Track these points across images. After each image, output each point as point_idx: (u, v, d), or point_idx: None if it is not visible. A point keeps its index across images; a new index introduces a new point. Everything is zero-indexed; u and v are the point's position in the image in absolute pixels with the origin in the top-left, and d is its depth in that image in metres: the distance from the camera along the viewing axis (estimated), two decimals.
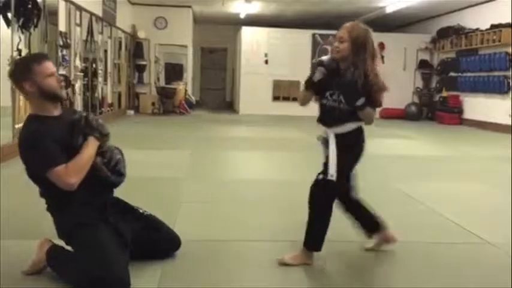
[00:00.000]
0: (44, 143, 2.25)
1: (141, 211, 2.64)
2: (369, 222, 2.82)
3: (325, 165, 2.57)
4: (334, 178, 2.51)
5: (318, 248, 2.60)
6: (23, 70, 2.31)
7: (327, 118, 2.62)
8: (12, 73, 2.39)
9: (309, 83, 2.61)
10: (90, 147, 2.34)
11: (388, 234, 2.85)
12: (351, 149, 2.61)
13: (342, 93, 2.53)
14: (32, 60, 2.38)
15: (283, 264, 2.58)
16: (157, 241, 2.61)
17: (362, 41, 2.51)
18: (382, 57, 13.77)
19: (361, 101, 2.48)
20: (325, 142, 2.62)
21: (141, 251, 2.52)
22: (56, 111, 2.40)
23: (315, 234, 2.59)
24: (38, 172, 2.31)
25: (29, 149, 2.29)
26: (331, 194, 2.58)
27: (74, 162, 2.27)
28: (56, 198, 2.39)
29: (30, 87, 2.29)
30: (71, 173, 2.25)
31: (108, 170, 2.41)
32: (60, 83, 2.37)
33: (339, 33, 2.56)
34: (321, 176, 2.58)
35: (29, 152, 2.30)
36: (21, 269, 2.44)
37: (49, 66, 2.34)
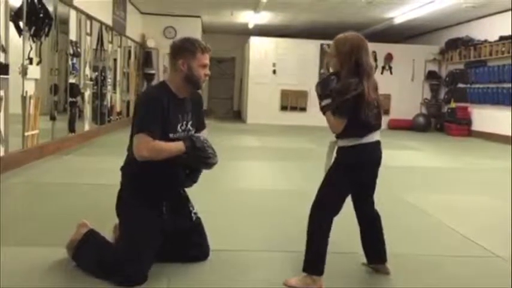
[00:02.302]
0: (154, 109, 2.43)
1: (194, 211, 2.74)
2: (376, 252, 2.68)
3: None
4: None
5: (317, 271, 2.44)
6: (187, 49, 2.50)
7: None
8: (177, 46, 2.55)
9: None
10: (176, 148, 2.46)
11: (385, 268, 2.69)
12: (345, 164, 2.46)
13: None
14: (199, 46, 2.52)
15: (289, 286, 2.46)
16: (194, 245, 2.69)
17: (348, 53, 2.39)
18: (390, 68, 13.82)
19: (325, 102, 2.40)
20: (333, 149, 2.52)
21: (172, 250, 2.60)
22: (183, 95, 2.57)
23: (311, 256, 2.45)
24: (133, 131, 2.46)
25: (142, 105, 2.51)
26: (328, 210, 2.45)
27: (158, 143, 2.40)
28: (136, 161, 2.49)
29: (182, 65, 2.49)
30: (149, 148, 2.37)
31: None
32: (206, 77, 2.55)
33: (331, 48, 2.51)
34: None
35: (140, 107, 2.51)
36: (31, 275, 2.46)
37: (207, 58, 2.53)
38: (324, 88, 2.44)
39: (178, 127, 2.56)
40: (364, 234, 2.67)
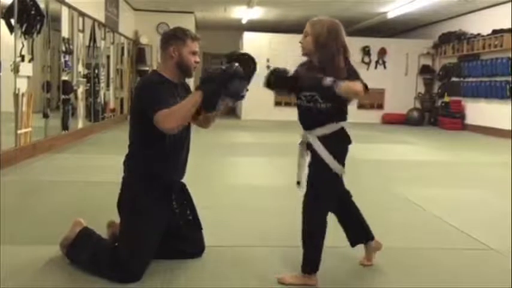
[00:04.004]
0: (159, 90, 2.50)
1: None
2: (361, 231, 2.68)
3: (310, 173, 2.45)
4: (342, 172, 2.41)
5: (316, 269, 2.45)
6: (178, 37, 2.59)
7: (304, 120, 2.52)
8: (167, 34, 2.66)
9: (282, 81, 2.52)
10: (194, 98, 2.43)
11: (376, 244, 2.72)
12: (335, 151, 2.44)
13: (315, 91, 2.40)
14: (189, 34, 2.61)
15: (283, 283, 2.44)
16: (190, 240, 2.73)
17: (326, 36, 2.40)
18: (384, 62, 13.84)
19: (329, 80, 2.28)
20: (308, 147, 2.50)
21: (168, 245, 2.62)
22: (176, 80, 2.64)
23: (312, 254, 2.43)
24: (146, 111, 2.44)
25: (145, 90, 2.54)
26: (325, 204, 2.45)
27: (175, 108, 2.41)
28: (143, 149, 2.56)
29: (173, 52, 2.57)
30: (172, 118, 2.39)
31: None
32: (197, 63, 2.63)
33: (305, 29, 2.49)
34: (301, 188, 2.47)
35: (144, 92, 2.54)
36: (25, 273, 2.45)
37: (196, 46, 2.62)
38: (313, 76, 2.38)
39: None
40: (344, 215, 2.67)
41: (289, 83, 2.53)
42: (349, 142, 2.49)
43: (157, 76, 2.61)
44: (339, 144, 2.46)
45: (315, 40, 2.43)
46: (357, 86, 2.31)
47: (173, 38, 2.60)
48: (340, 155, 2.46)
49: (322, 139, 2.43)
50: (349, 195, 2.69)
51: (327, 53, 2.40)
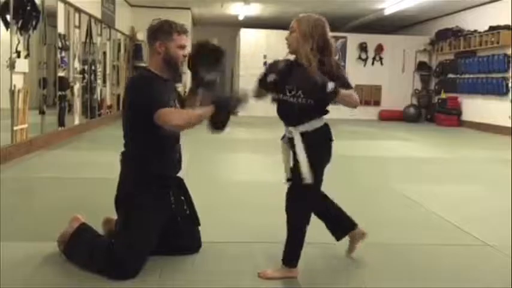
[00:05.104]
0: (156, 87, 2.46)
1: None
2: (343, 222, 2.69)
3: (294, 169, 2.43)
4: (309, 181, 2.35)
5: (297, 262, 2.47)
6: (163, 31, 2.51)
7: (288, 115, 2.48)
8: (153, 28, 2.56)
9: (262, 83, 2.54)
10: (205, 113, 2.42)
11: (359, 231, 2.71)
12: (319, 148, 2.45)
13: (300, 87, 2.38)
14: (175, 28, 2.54)
15: (266, 278, 2.46)
16: (187, 235, 2.72)
17: (310, 32, 2.39)
18: (381, 59, 13.84)
19: (331, 86, 2.24)
20: (290, 142, 2.48)
21: (164, 240, 2.60)
22: (165, 76, 2.58)
23: (293, 247, 2.45)
24: (145, 111, 2.38)
25: (140, 89, 2.48)
26: (309, 199, 2.45)
27: (185, 111, 2.43)
28: (138, 143, 2.54)
29: (160, 47, 2.51)
30: (178, 117, 2.39)
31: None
32: (185, 58, 2.56)
33: (291, 24, 2.48)
34: (288, 183, 2.48)
35: (139, 92, 2.48)
36: (22, 270, 2.45)
37: (184, 39, 2.55)
38: (315, 80, 2.31)
39: (171, 104, 2.59)
40: (322, 209, 2.65)
41: (270, 88, 2.53)
42: (331, 139, 2.49)
43: (147, 72, 2.57)
44: (321, 141, 2.46)
45: (301, 37, 2.42)
46: (355, 97, 2.37)
47: (159, 32, 2.53)
48: (322, 153, 2.46)
49: (305, 136, 2.42)
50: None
51: (312, 49, 2.38)
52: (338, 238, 2.75)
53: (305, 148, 2.39)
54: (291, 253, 2.48)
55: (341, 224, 2.72)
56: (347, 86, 2.36)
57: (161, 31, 2.53)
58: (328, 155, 2.49)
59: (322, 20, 2.47)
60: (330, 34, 2.46)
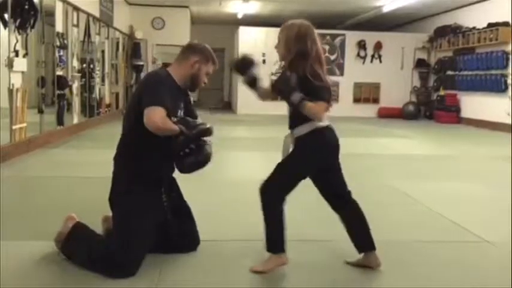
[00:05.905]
0: (164, 88, 2.55)
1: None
2: (363, 238, 2.62)
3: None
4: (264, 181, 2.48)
5: (281, 249, 2.49)
6: (204, 54, 2.69)
7: (289, 120, 2.59)
8: (198, 47, 2.73)
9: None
10: (174, 130, 2.48)
11: (375, 258, 2.62)
12: (301, 155, 2.49)
13: (279, 92, 2.47)
14: (213, 58, 2.73)
15: (257, 272, 2.48)
16: (185, 233, 2.73)
17: (294, 39, 2.42)
18: (380, 56, 13.84)
19: (295, 96, 2.34)
20: (289, 143, 2.56)
21: (163, 238, 2.62)
22: (181, 85, 2.72)
23: (271, 236, 2.49)
24: (143, 104, 2.47)
25: (149, 84, 2.61)
26: (272, 195, 2.52)
27: (169, 121, 2.49)
28: (136, 143, 2.59)
29: (194, 64, 2.66)
30: (162, 121, 2.45)
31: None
32: (205, 84, 2.77)
33: (278, 33, 2.52)
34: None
35: (148, 85, 2.60)
36: (21, 269, 2.45)
37: (212, 70, 2.75)
38: (286, 84, 2.41)
39: (178, 113, 2.68)
40: (346, 221, 2.63)
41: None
42: (322, 144, 2.51)
43: (168, 76, 2.66)
44: (305, 146, 2.48)
45: (286, 44, 2.45)
46: (317, 108, 2.36)
47: (201, 52, 2.70)
48: (302, 158, 2.50)
49: (298, 141, 2.49)
50: (350, 195, 2.64)
51: (297, 56, 2.41)
52: (360, 250, 2.63)
53: (291, 152, 2.50)
54: (272, 236, 2.48)
55: (364, 240, 2.62)
56: (318, 97, 2.38)
57: (203, 53, 2.70)
58: (311, 164, 2.51)
59: (304, 26, 2.47)
60: (318, 38, 2.48)
